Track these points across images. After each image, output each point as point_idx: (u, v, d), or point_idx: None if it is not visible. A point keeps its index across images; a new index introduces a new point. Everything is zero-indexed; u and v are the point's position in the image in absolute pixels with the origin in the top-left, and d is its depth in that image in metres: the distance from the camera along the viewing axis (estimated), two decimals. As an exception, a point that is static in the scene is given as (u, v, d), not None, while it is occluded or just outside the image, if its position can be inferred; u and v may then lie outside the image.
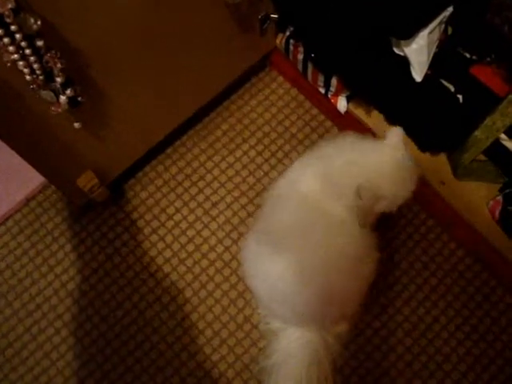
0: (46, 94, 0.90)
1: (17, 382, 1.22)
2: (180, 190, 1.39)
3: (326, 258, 0.95)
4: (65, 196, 1.35)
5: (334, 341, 1.02)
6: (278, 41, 1.40)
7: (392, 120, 1.26)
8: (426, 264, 1.28)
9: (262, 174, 1.39)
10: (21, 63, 0.81)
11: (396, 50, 1.12)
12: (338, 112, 1.34)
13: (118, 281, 1.30)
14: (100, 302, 1.28)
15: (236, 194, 1.38)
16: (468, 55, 1.13)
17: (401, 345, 1.21)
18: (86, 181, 1.19)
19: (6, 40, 0.77)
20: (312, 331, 1.01)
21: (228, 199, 1.37)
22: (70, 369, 1.23)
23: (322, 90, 1.35)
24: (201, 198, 1.38)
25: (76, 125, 1.02)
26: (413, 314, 1.24)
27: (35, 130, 1.00)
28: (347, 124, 1.36)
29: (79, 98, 0.95)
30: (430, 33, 1.04)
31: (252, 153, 1.42)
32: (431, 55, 1.09)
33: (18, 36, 0.77)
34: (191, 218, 1.36)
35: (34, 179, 1.38)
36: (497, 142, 1.12)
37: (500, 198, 1.16)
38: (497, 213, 1.16)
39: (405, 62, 1.11)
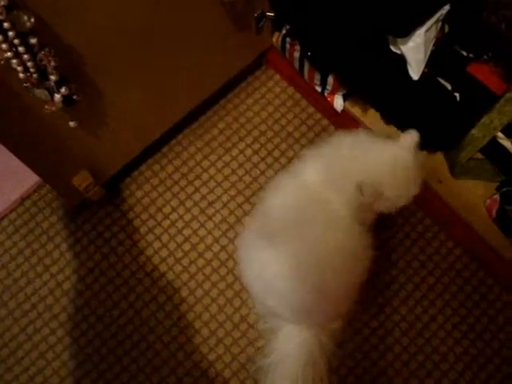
0: (40, 93, 0.89)
1: (12, 382, 1.21)
2: (176, 188, 1.38)
3: (324, 253, 0.95)
4: (60, 195, 1.34)
5: (329, 340, 1.02)
6: (274, 39, 1.39)
7: (389, 118, 1.25)
8: (424, 263, 1.28)
9: (259, 172, 1.39)
10: (14, 61, 0.80)
11: (393, 48, 1.12)
12: (335, 110, 1.34)
13: (114, 280, 1.30)
14: (96, 302, 1.28)
15: (232, 192, 1.37)
16: (465, 53, 1.13)
17: (398, 344, 1.21)
18: (81, 180, 1.19)
19: (-1, 38, 0.76)
20: (307, 329, 1.01)
21: (224, 198, 1.37)
22: (65, 369, 1.22)
23: (319, 89, 1.35)
24: (197, 196, 1.37)
25: (71, 123, 1.01)
26: (410, 313, 1.23)
27: (29, 129, 1.00)
28: (344, 122, 1.36)
29: (74, 97, 0.95)
30: (427, 31, 1.04)
31: (248, 151, 1.42)
32: (428, 53, 1.08)
33: (10, 34, 0.76)
34: (187, 217, 1.35)
35: (28, 178, 1.37)
36: (494, 141, 1.12)
37: (497, 196, 1.16)
38: (494, 211, 1.16)
39: (402, 60, 1.11)
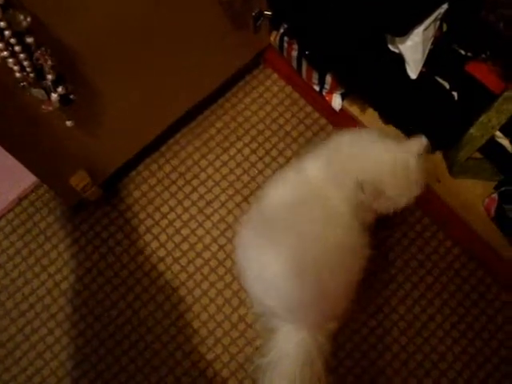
0: (37, 92, 0.89)
1: (10, 383, 1.21)
2: (174, 188, 1.38)
3: (322, 249, 0.95)
4: (57, 195, 1.33)
5: (326, 340, 1.02)
6: (272, 38, 1.39)
7: (387, 118, 1.25)
8: (422, 262, 1.28)
9: (257, 172, 1.39)
10: (10, 60, 0.79)
11: (391, 47, 1.12)
12: (333, 110, 1.34)
13: (112, 280, 1.29)
14: (94, 302, 1.27)
15: (230, 192, 1.37)
16: (463, 52, 1.13)
17: (396, 343, 1.21)
18: (79, 180, 1.18)
19: (-6, 37, 0.76)
20: (305, 329, 1.01)
21: (222, 197, 1.37)
22: (63, 369, 1.22)
23: (317, 88, 1.34)
24: (195, 196, 1.37)
25: (68, 123, 1.01)
26: (408, 312, 1.23)
27: (26, 129, 0.99)
28: (342, 121, 1.36)
29: (71, 96, 0.94)
30: (425, 30, 1.03)
31: (246, 151, 1.41)
32: (426, 52, 1.08)
33: (7, 33, 0.75)
34: (185, 216, 1.35)
35: (26, 178, 1.36)
36: (492, 140, 1.12)
37: (495, 195, 1.16)
38: (492, 210, 1.16)
39: (400, 59, 1.10)
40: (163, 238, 1.33)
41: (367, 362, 1.19)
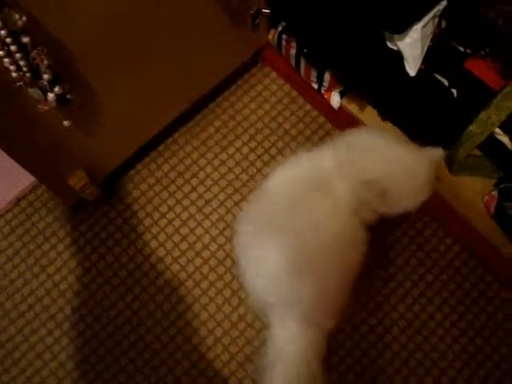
0: (34, 92, 0.88)
1: (9, 384, 1.21)
2: (173, 187, 1.38)
3: (321, 240, 0.94)
4: (55, 195, 1.33)
5: (323, 339, 1.01)
6: (270, 36, 1.38)
7: (386, 115, 1.25)
8: (422, 260, 1.27)
9: (255, 170, 1.38)
10: (6, 60, 0.79)
11: (389, 45, 1.11)
12: (332, 108, 1.33)
13: (111, 280, 1.29)
14: (93, 302, 1.27)
15: (229, 191, 1.37)
16: (462, 49, 1.12)
17: (396, 342, 1.21)
18: (77, 180, 1.18)
19: (-11, 37, 0.75)
20: (304, 327, 1.00)
21: (221, 196, 1.36)
22: (63, 369, 1.22)
23: (315, 86, 1.34)
24: (194, 195, 1.37)
25: (65, 123, 1.00)
26: (408, 310, 1.23)
27: (23, 129, 0.99)
28: (341, 120, 1.35)
29: (68, 96, 0.93)
30: (424, 26, 1.03)
31: (245, 150, 1.41)
32: (425, 49, 1.07)
33: (2, 32, 0.75)
34: (184, 215, 1.35)
35: (24, 179, 1.36)
36: (492, 137, 1.11)
37: (495, 192, 1.15)
38: (492, 208, 1.16)
39: (398, 57, 1.10)
40: (162, 237, 1.33)
41: (367, 361, 1.19)
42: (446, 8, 1.04)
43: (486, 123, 1.06)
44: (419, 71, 1.10)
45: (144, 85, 1.15)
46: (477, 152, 1.19)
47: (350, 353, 1.20)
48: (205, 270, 1.29)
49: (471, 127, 1.09)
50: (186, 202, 1.36)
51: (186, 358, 1.21)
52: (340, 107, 1.32)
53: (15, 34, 0.77)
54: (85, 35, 0.92)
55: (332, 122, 1.42)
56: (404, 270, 1.27)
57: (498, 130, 1.11)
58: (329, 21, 1.14)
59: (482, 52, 1.10)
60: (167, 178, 1.39)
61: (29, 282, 1.30)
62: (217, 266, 1.29)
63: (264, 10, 1.27)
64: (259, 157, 1.40)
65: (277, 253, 0.96)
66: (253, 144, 1.41)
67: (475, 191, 1.20)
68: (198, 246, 1.31)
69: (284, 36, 1.33)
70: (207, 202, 1.36)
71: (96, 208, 1.36)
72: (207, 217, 1.34)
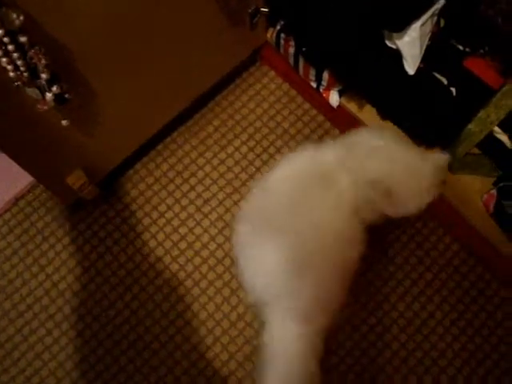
0: (32, 91, 0.88)
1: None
2: (171, 187, 1.37)
3: (320, 236, 0.94)
4: (54, 195, 1.33)
5: (321, 338, 1.01)
6: (268, 35, 1.38)
7: (385, 114, 1.25)
8: (421, 259, 1.27)
9: (254, 169, 1.38)
10: (4, 60, 0.79)
11: (388, 43, 1.11)
12: (331, 106, 1.33)
13: (110, 280, 1.29)
14: (92, 302, 1.27)
15: (228, 190, 1.36)
16: (461, 47, 1.12)
17: (396, 341, 1.20)
18: (75, 179, 1.18)
19: (-14, 37, 0.75)
20: (302, 325, 1.00)
21: (220, 196, 1.36)
22: (62, 370, 1.22)
23: (314, 85, 1.34)
24: (193, 195, 1.36)
25: (63, 122, 1.00)
26: (408, 309, 1.23)
27: (22, 129, 0.98)
28: (340, 118, 1.35)
29: (66, 95, 0.93)
30: (423, 25, 1.03)
31: (244, 149, 1.41)
32: (424, 48, 1.07)
33: (-1, 32, 0.75)
34: (183, 215, 1.34)
35: (22, 178, 1.36)
36: (491, 135, 1.11)
37: (494, 191, 1.15)
38: (491, 206, 1.16)
39: (397, 55, 1.10)
40: (161, 236, 1.32)
41: (367, 360, 1.19)
42: (444, 6, 1.03)
43: (485, 122, 1.06)
44: (418, 70, 1.09)
45: (143, 84, 1.15)
46: (476, 150, 1.19)
47: (350, 353, 1.20)
48: (204, 269, 1.29)
49: (470, 126, 1.09)
50: (184, 202, 1.36)
51: (186, 357, 1.21)
52: (339, 106, 1.31)
53: (12, 34, 0.77)
54: (84, 35, 0.92)
55: (331, 120, 1.42)
56: (403, 268, 1.27)
57: (497, 129, 1.11)
58: (328, 20, 1.14)
59: (481, 50, 1.10)
60: (166, 177, 1.39)
61: (28, 282, 1.29)
62: (216, 265, 1.29)
63: (262, 9, 1.27)
64: (258, 156, 1.39)
65: (276, 252, 0.96)
66: (252, 143, 1.41)
67: (474, 190, 1.20)
68: (197, 245, 1.31)
69: (282, 35, 1.32)
70: (206, 201, 1.35)
71: (95, 207, 1.35)
72: (206, 216, 1.34)
